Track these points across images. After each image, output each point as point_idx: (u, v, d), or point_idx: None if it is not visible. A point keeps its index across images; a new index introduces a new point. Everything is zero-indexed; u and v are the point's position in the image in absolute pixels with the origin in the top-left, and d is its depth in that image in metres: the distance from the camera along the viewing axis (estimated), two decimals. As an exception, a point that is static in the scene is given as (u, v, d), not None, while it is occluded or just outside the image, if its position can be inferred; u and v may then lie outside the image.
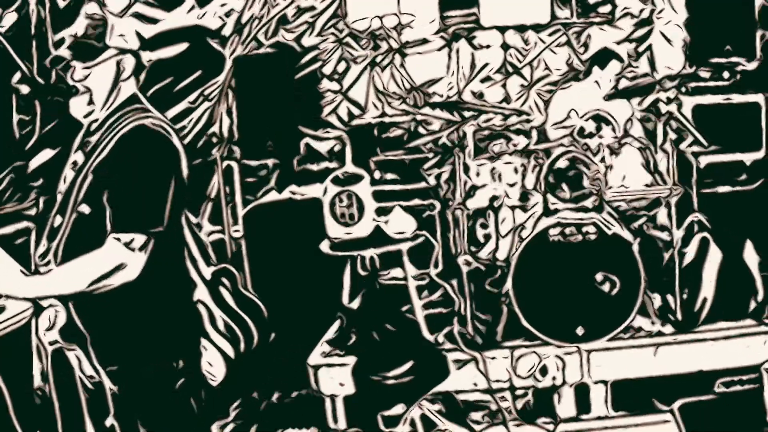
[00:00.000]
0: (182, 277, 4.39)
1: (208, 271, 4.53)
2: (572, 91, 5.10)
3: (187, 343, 4.42)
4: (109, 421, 4.34)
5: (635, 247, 4.95)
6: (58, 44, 4.27)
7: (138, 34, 4.37)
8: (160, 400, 4.31)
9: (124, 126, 4.20)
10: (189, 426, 4.41)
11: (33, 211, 4.98)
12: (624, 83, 5.09)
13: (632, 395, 5.08)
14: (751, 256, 5.15)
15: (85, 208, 4.16)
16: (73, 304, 4.21)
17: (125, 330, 4.25)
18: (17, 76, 5.09)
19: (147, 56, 4.95)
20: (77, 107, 4.24)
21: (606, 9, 5.12)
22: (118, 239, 4.07)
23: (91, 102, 4.22)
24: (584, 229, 4.94)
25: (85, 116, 4.24)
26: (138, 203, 4.13)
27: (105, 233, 4.11)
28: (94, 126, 4.28)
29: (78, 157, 4.29)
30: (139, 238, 4.08)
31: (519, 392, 5.08)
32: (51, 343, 4.26)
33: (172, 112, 5.00)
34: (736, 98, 5.11)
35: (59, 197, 4.27)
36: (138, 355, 4.26)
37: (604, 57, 5.07)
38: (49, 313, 4.23)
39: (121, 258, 4.07)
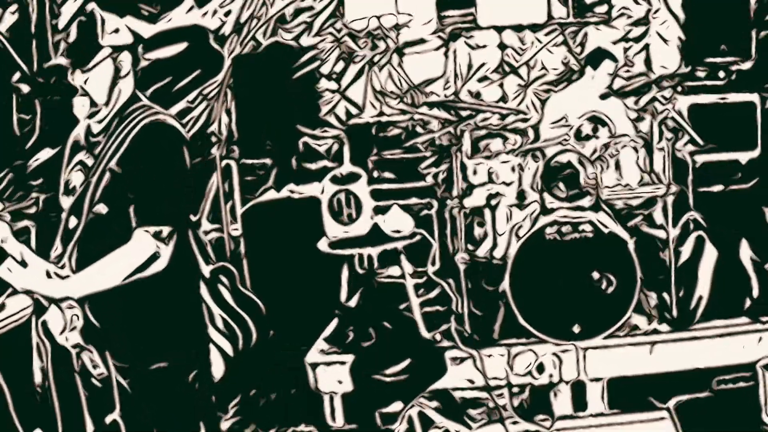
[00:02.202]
0: (190, 273, 4.42)
1: (206, 270, 4.54)
2: (568, 91, 5.12)
3: (196, 339, 4.45)
4: (110, 417, 4.35)
5: (631, 246, 4.97)
6: (56, 45, 4.28)
7: (131, 30, 4.38)
8: (169, 396, 4.33)
9: (137, 123, 4.23)
10: (194, 421, 4.43)
11: (33, 210, 5.00)
12: (619, 82, 5.12)
13: (628, 393, 5.10)
14: (746, 254, 5.17)
15: (102, 208, 4.19)
16: (88, 303, 4.24)
17: (135, 327, 4.27)
18: (17, 75, 5.11)
19: (145, 54, 4.98)
20: (80, 108, 4.26)
21: (602, 9, 5.15)
22: (147, 231, 4.13)
23: (93, 104, 4.23)
24: (581, 228, 4.96)
25: (89, 116, 4.25)
26: (162, 196, 4.18)
27: (122, 231, 4.14)
28: (97, 127, 4.29)
29: (84, 158, 4.30)
30: (166, 229, 4.15)
31: (516, 390, 5.10)
32: (73, 346, 4.28)
33: (171, 112, 5.02)
34: (732, 97, 5.13)
35: (68, 199, 4.28)
36: (148, 352, 4.28)
37: (597, 56, 5.09)
38: (69, 315, 4.24)
39: (152, 249, 4.13)
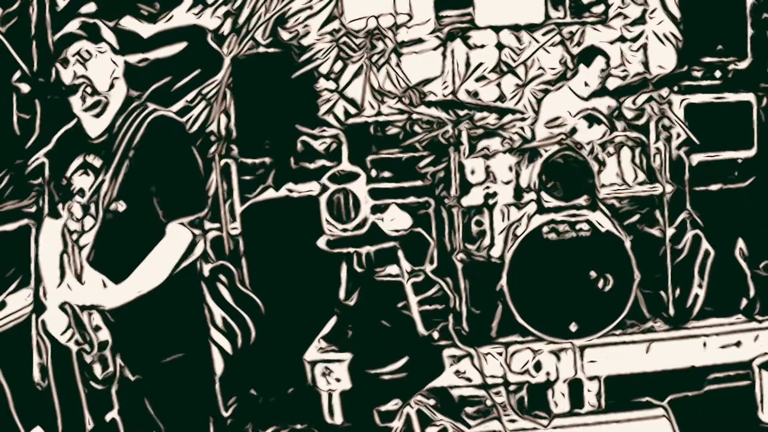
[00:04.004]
0: (192, 271, 4.43)
1: (206, 268, 4.56)
2: (563, 90, 5.14)
3: (197, 336, 4.46)
4: (110, 415, 4.37)
5: (628, 244, 4.99)
6: (60, 43, 4.29)
7: (127, 31, 4.40)
8: (173, 392, 4.34)
9: (143, 119, 4.25)
10: (199, 418, 4.45)
11: (33, 209, 5.01)
12: (612, 80, 5.14)
13: (625, 391, 5.11)
14: (742, 253, 5.19)
15: (119, 206, 4.21)
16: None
17: (141, 324, 4.28)
18: (17, 74, 5.13)
19: (143, 57, 5.00)
20: (78, 102, 4.26)
21: (599, 9, 5.17)
22: (182, 223, 4.17)
23: (95, 92, 4.24)
24: (578, 227, 4.98)
25: (87, 109, 4.26)
26: (184, 185, 4.22)
27: (143, 226, 4.17)
28: (97, 130, 4.30)
29: (91, 159, 4.31)
30: (198, 217, 4.20)
31: (513, 387, 5.12)
32: (101, 344, 4.29)
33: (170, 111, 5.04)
34: (728, 97, 5.15)
35: (78, 202, 4.29)
36: (153, 349, 4.29)
37: (589, 54, 5.11)
38: (92, 316, 4.26)
39: (189, 237, 4.18)
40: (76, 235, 4.24)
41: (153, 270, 4.18)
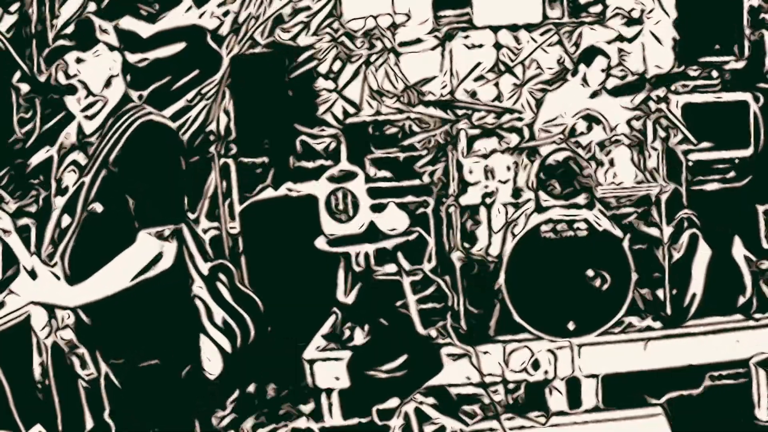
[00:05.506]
0: (182, 272, 4.43)
1: (205, 267, 4.57)
2: (562, 90, 5.16)
3: (187, 337, 4.46)
4: (106, 415, 4.38)
5: (625, 244, 5.00)
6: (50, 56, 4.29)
7: (123, 33, 4.40)
8: (161, 393, 4.35)
9: (132, 122, 4.24)
10: (188, 418, 4.46)
11: (33, 208, 5.03)
12: (612, 80, 5.15)
13: (623, 389, 5.13)
14: (739, 251, 5.20)
15: (97, 207, 4.20)
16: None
17: (127, 325, 4.29)
18: (17, 75, 5.14)
19: (143, 56, 5.01)
20: (75, 102, 4.27)
21: (597, 9, 5.18)
22: (150, 233, 4.15)
23: (90, 94, 4.24)
24: (575, 226, 4.99)
25: (84, 110, 4.26)
26: (160, 195, 4.19)
27: (119, 230, 4.16)
28: (90, 127, 4.30)
29: (78, 157, 4.31)
30: (168, 228, 4.18)
31: (511, 386, 5.13)
32: (67, 343, 4.30)
33: (170, 111, 5.06)
34: (725, 96, 5.16)
35: (59, 199, 4.30)
36: (140, 350, 4.29)
37: (589, 54, 5.12)
38: (60, 314, 4.27)
39: (156, 249, 4.16)
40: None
41: (113, 276, 4.16)
